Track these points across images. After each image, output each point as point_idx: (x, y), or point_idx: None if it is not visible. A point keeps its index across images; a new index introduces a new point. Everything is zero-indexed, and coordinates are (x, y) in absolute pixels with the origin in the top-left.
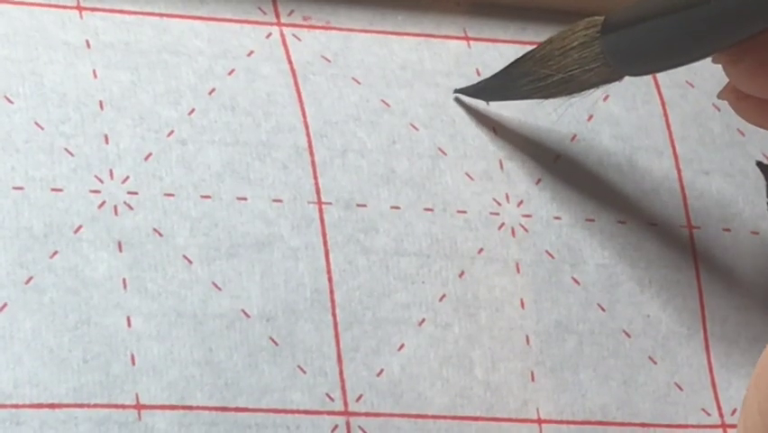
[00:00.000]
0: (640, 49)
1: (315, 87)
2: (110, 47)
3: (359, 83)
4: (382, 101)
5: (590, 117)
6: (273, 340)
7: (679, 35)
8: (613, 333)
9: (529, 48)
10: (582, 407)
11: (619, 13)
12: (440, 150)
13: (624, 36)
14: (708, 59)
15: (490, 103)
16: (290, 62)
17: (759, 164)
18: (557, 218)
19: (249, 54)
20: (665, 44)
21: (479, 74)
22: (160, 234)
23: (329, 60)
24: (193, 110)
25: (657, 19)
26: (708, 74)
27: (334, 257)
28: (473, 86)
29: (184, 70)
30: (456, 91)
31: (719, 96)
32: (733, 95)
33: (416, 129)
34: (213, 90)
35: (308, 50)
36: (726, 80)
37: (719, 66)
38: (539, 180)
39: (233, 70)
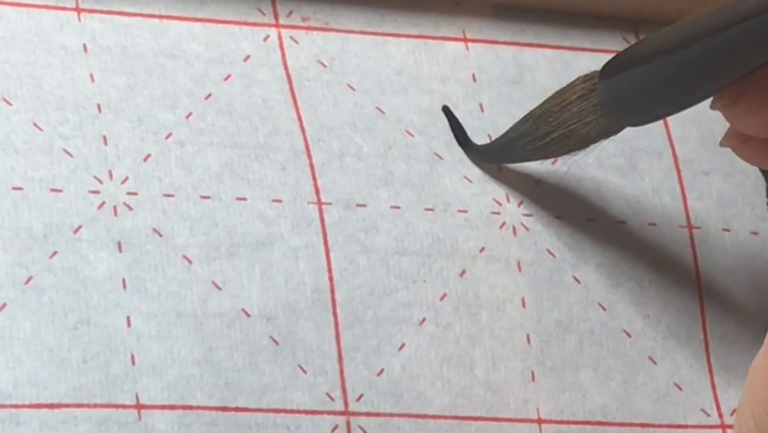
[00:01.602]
0: (636, 94)
1: (311, 93)
2: (107, 51)
3: (354, 89)
4: (377, 108)
5: (574, 153)
6: (273, 339)
7: (674, 76)
8: (613, 333)
9: (527, 49)
10: (582, 407)
11: (614, 61)
12: (436, 155)
13: (620, 82)
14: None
15: (485, 110)
16: (286, 68)
17: None
18: (558, 218)
19: (245, 59)
20: (660, 88)
21: (474, 80)
22: (160, 235)
23: (325, 66)
24: (190, 114)
25: (650, 62)
26: None
27: (335, 256)
28: (474, 150)
29: (180, 75)
30: (467, 152)
31: (722, 143)
32: (735, 140)
33: (412, 135)
34: (209, 95)
35: (305, 54)
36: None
37: None
38: (539, 182)
39: (228, 76)
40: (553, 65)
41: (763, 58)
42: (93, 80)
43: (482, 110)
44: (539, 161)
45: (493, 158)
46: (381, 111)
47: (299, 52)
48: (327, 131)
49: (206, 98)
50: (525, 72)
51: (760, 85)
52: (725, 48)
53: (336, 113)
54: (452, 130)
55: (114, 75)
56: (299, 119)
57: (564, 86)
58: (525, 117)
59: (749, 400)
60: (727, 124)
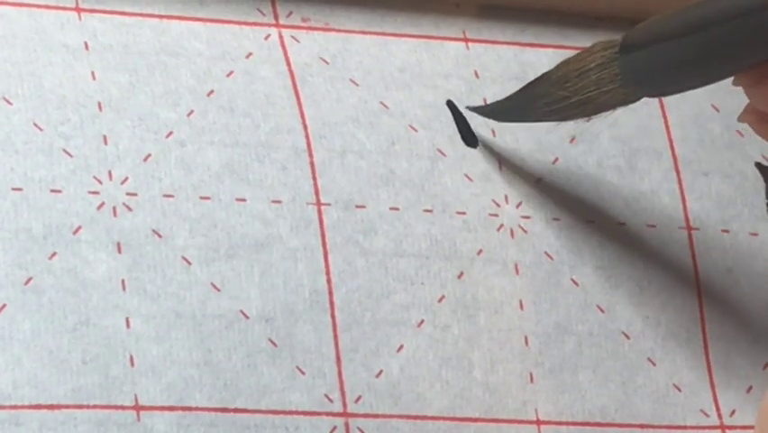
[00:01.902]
0: (658, 69)
1: (314, 89)
2: (109, 49)
3: (357, 85)
4: (381, 103)
5: (589, 119)
6: (272, 341)
7: (698, 56)
8: (612, 334)
9: (528, 49)
10: (581, 408)
11: (637, 34)
12: (439, 151)
13: (642, 57)
14: (729, 81)
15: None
16: (289, 64)
17: (758, 165)
18: (556, 220)
19: (247, 56)
20: (684, 65)
21: (477, 76)
22: (159, 236)
23: (327, 62)
24: (192, 112)
25: (676, 40)
26: None
27: (333, 258)
28: (486, 106)
29: (183, 72)
30: (469, 109)
31: (740, 119)
32: (754, 116)
33: (415, 130)
34: (211, 92)
35: (307, 51)
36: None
37: None
38: (538, 181)
39: (231, 72)
40: (554, 63)
41: None
42: (94, 78)
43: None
44: (554, 123)
45: (505, 116)
46: (385, 106)
47: (301, 50)
48: (330, 127)
49: (209, 95)
50: (527, 69)
51: None
52: (748, 31)
53: (340, 108)
54: (456, 124)
55: (115, 72)
56: (302, 115)
57: (582, 51)
58: (540, 78)
59: None
60: (727, 125)
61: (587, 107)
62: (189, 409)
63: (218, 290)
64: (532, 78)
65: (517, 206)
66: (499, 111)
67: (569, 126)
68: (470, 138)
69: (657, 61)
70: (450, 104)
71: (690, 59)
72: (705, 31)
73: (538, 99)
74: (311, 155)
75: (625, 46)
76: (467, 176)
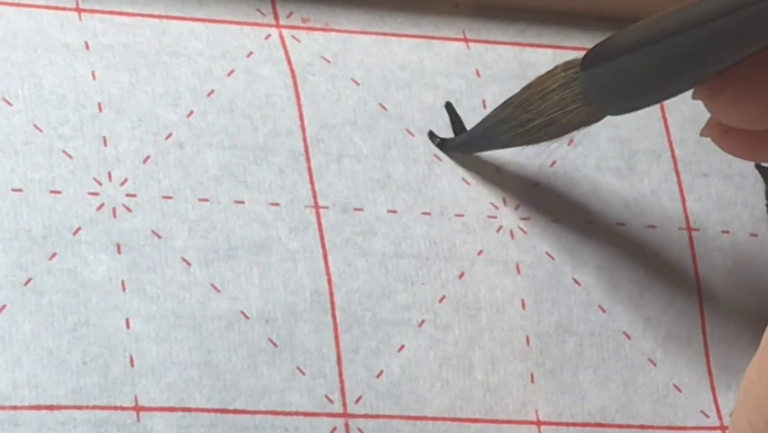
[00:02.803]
0: (617, 84)
1: (314, 89)
2: (109, 49)
3: (358, 84)
4: (380, 104)
5: (555, 140)
6: (272, 342)
7: (656, 68)
8: (613, 334)
9: (528, 49)
10: (582, 409)
11: (596, 50)
12: (435, 156)
13: (601, 72)
14: (688, 95)
15: (489, 106)
16: (290, 63)
17: (758, 166)
18: (556, 221)
19: (248, 55)
20: (643, 79)
21: (478, 75)
22: (159, 237)
23: (329, 61)
24: (192, 112)
25: (633, 53)
26: None
27: (333, 259)
28: (453, 139)
29: (183, 72)
30: (437, 145)
31: (702, 133)
32: (716, 130)
33: (412, 135)
34: (212, 92)
35: (307, 51)
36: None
37: None
38: (536, 184)
39: (232, 71)
40: (554, 63)
41: (746, 50)
42: (94, 78)
43: (485, 106)
44: (518, 148)
45: (471, 147)
46: (384, 108)
47: (302, 49)
48: (328, 130)
49: (209, 95)
50: (528, 69)
51: (744, 76)
52: (708, 39)
53: (339, 109)
54: (453, 126)
55: (115, 72)
56: (301, 117)
57: (544, 73)
58: (503, 104)
59: (744, 408)
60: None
61: (551, 129)
62: (189, 409)
63: (218, 290)
64: (533, 77)
65: (516, 208)
66: (466, 143)
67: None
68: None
69: (616, 76)
70: (448, 106)
71: (648, 72)
72: (662, 42)
73: (502, 124)
74: (308, 159)
75: (585, 63)
76: (464, 180)
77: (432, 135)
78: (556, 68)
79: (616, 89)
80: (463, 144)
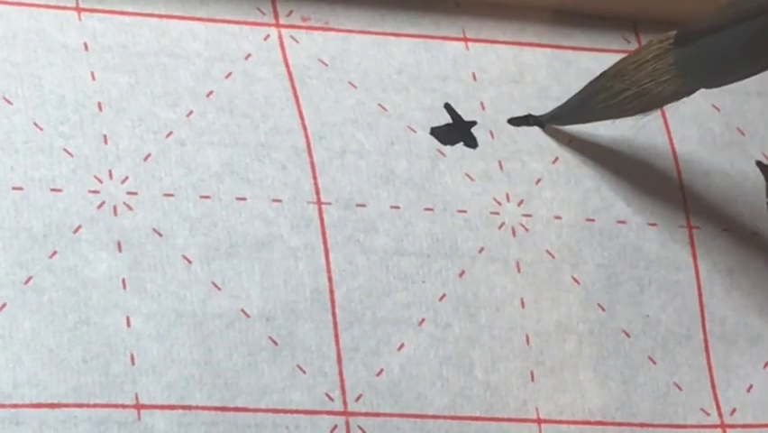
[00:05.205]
0: (710, 59)
1: (312, 91)
2: (108, 49)
3: (355, 87)
4: (379, 105)
5: (644, 114)
6: (273, 340)
7: (746, 45)
8: (613, 333)
9: (527, 49)
10: (582, 407)
11: (690, 26)
12: (439, 151)
13: (697, 47)
14: None
15: (487, 108)
16: (287, 66)
17: (759, 164)
18: (557, 218)
19: (246, 57)
20: (733, 54)
21: (475, 78)
22: (160, 235)
23: (326, 64)
24: (191, 112)
25: (725, 30)
26: None
27: (334, 257)
28: (548, 113)
29: (182, 73)
30: (533, 123)
31: None
32: None
33: (414, 131)
34: (210, 93)
35: (306, 53)
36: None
37: None
38: (539, 180)
39: (230, 73)
40: (553, 64)
41: None
42: (94, 78)
43: (483, 108)
44: (611, 120)
45: (566, 119)
46: (383, 108)
47: (300, 51)
48: (329, 128)
49: (208, 96)
50: (525, 71)
51: None
52: None
53: (338, 110)
54: (454, 125)
55: (115, 73)
56: (301, 117)
57: (638, 47)
58: (598, 77)
59: None
60: (728, 124)
61: (643, 100)
62: (190, 407)
63: (219, 288)
64: (529, 80)
65: (519, 204)
66: (561, 114)
67: (568, 128)
68: (469, 139)
69: (709, 51)
70: (447, 106)
71: (740, 49)
72: (753, 20)
73: (597, 95)
74: (311, 155)
75: (679, 38)
76: (468, 175)
77: (531, 117)
78: (651, 41)
79: (707, 64)
80: (560, 116)
